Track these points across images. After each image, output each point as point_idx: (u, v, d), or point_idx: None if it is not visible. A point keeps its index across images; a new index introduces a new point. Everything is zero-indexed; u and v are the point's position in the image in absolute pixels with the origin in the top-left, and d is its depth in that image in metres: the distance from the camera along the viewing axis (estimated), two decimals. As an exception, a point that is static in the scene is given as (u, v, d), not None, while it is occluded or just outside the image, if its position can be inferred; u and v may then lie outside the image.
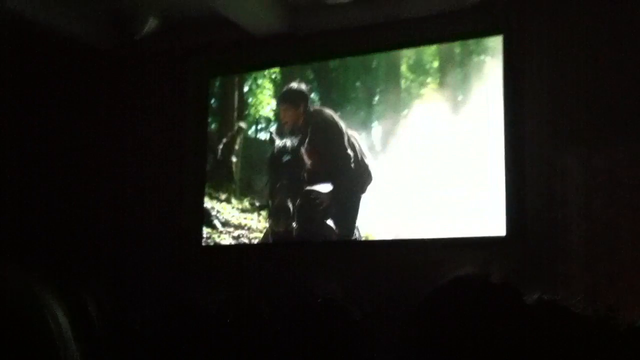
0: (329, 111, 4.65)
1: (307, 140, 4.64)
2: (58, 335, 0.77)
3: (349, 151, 4.54)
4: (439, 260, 3.45)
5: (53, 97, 5.49)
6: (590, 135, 3.96)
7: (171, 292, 4.55)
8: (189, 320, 1.83)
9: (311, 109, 4.72)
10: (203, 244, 4.91)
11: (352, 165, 4.53)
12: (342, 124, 4.58)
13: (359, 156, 4.53)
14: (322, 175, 4.61)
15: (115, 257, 4.99)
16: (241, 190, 4.93)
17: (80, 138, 5.38)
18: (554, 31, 4.14)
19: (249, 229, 4.81)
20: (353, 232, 4.47)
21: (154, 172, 5.11)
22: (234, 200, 4.91)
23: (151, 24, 4.29)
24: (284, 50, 4.82)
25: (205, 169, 4.97)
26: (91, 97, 5.42)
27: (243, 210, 4.86)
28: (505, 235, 4.04)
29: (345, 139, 4.54)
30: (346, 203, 4.52)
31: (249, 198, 4.88)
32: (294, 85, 4.78)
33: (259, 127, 5.00)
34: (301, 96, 4.75)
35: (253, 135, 5.02)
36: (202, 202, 4.91)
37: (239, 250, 4.81)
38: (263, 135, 4.98)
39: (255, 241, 4.77)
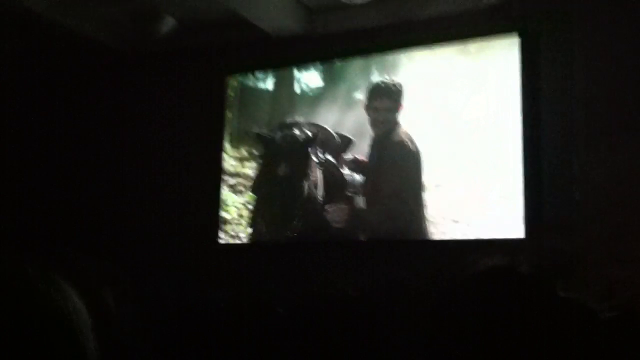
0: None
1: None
2: (78, 323, 0.78)
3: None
4: (457, 262, 3.40)
5: (68, 97, 5.53)
6: (609, 136, 3.92)
7: (185, 293, 4.56)
8: (201, 322, 1.82)
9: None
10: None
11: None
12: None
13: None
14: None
15: (127, 259, 4.98)
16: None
17: (95, 136, 5.42)
18: (572, 30, 4.10)
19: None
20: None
21: (170, 170, 5.13)
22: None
23: (168, 23, 4.31)
24: (300, 50, 4.80)
25: (221, 166, 4.91)
26: (106, 96, 5.45)
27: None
28: (525, 237, 3.98)
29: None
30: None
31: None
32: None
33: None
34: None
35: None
36: (219, 202, 4.87)
37: (257, 248, 4.80)
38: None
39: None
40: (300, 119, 4.71)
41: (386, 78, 4.39)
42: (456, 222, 4.17)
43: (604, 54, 3.96)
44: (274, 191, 4.70)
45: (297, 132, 4.68)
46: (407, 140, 4.27)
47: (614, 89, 3.92)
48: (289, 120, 4.74)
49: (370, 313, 1.73)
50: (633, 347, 1.67)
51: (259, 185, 4.78)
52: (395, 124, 4.32)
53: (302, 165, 4.61)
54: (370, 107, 4.41)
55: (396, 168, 4.26)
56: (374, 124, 4.39)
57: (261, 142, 4.80)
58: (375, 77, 4.46)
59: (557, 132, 4.03)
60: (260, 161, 4.80)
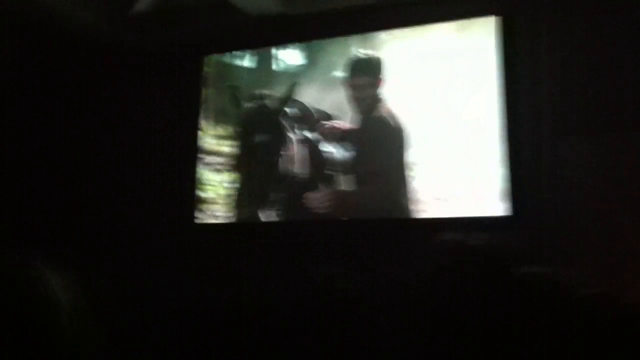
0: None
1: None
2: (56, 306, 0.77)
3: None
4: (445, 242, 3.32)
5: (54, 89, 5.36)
6: (601, 119, 3.81)
7: (167, 281, 4.45)
8: (200, 321, 1.75)
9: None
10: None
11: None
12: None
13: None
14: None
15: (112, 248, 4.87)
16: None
17: (76, 130, 5.24)
18: (560, 8, 3.96)
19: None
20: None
21: (148, 154, 5.00)
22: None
23: (144, 5, 4.20)
24: (279, 30, 4.60)
25: (197, 146, 4.76)
26: (89, 89, 5.24)
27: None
28: (512, 215, 3.88)
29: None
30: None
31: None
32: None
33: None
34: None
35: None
36: (195, 181, 4.72)
37: (238, 229, 4.68)
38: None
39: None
40: (274, 92, 4.56)
41: (365, 53, 4.25)
42: (440, 199, 4.08)
43: (600, 45, 3.85)
44: (252, 164, 4.56)
45: (268, 101, 4.54)
46: (388, 116, 4.13)
47: (614, 87, 3.83)
48: (260, 91, 4.61)
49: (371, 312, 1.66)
50: (633, 347, 1.62)
51: (240, 162, 4.64)
52: (376, 100, 4.17)
53: (275, 135, 4.46)
54: (349, 84, 4.27)
55: (378, 145, 4.13)
56: (354, 100, 4.24)
57: (234, 105, 4.63)
58: (355, 53, 4.32)
59: (546, 111, 3.94)
60: (238, 138, 4.66)
